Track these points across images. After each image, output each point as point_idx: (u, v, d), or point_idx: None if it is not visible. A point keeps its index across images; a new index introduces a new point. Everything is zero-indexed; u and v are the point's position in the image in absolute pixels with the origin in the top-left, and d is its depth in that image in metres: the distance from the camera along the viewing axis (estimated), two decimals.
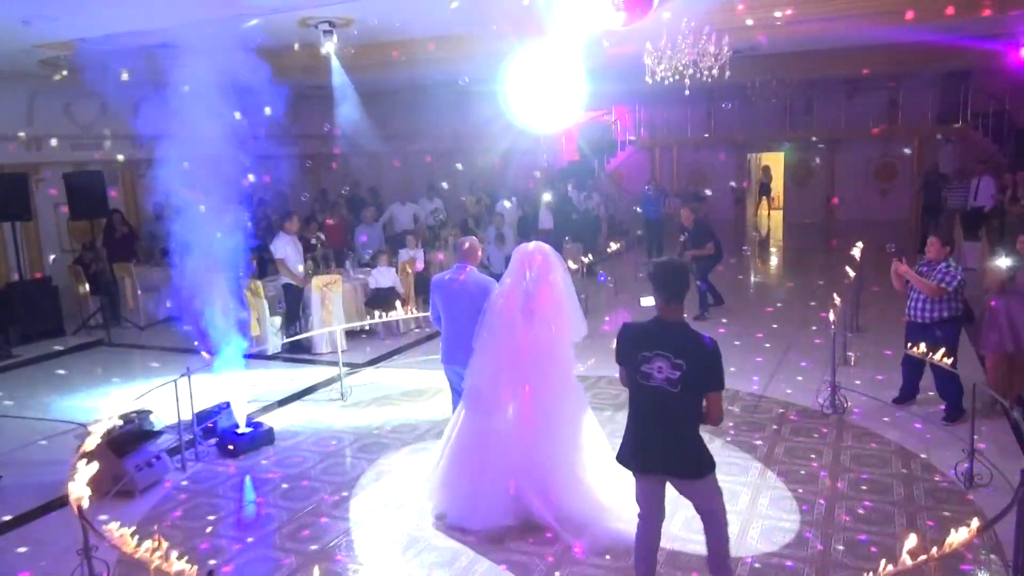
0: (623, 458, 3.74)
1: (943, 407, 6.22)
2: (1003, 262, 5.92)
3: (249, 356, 7.71)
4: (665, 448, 3.55)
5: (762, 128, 19.58)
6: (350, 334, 9.32)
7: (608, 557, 4.32)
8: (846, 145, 19.68)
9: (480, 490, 4.68)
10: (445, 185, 15.87)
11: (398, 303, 8.54)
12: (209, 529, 4.88)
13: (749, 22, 8.23)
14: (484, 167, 17.12)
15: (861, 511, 4.79)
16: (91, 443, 4.69)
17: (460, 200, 16.05)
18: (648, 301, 3.97)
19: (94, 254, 11.00)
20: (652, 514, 3.74)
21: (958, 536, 3.15)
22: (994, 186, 13.15)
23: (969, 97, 17.43)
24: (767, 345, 8.56)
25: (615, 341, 3.70)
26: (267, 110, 6.37)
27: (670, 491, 3.73)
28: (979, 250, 11.49)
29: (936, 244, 6.19)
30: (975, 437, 5.13)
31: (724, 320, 9.57)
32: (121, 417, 6.11)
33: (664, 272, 3.61)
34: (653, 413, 3.55)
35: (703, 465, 3.57)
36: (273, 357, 8.89)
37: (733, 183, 20.84)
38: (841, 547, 4.38)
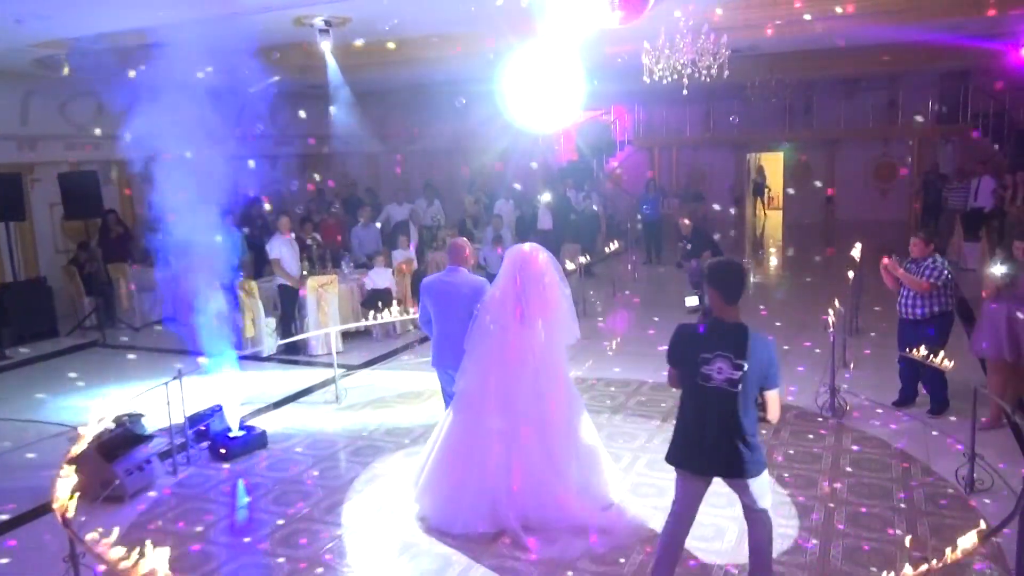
0: (674, 459, 3.71)
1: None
2: (998, 269, 5.85)
3: (244, 358, 7.66)
4: (722, 449, 3.52)
5: (761, 128, 19.52)
6: (346, 335, 9.25)
7: (622, 560, 4.26)
8: (845, 145, 19.63)
9: (462, 495, 4.64)
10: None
11: (394, 304, 8.47)
12: (199, 534, 4.81)
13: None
14: (483, 167, 17.06)
15: (860, 517, 4.72)
16: (79, 447, 4.63)
17: (459, 200, 16.01)
18: (692, 301, 3.94)
19: (89, 254, 10.93)
20: (687, 513, 3.74)
21: (961, 545, 3.09)
22: (994, 186, 13.10)
23: (969, 97, 17.37)
24: None
25: (668, 342, 3.68)
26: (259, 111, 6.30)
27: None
28: (979, 251, 11.44)
29: (919, 243, 6.17)
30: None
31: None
32: (113, 420, 6.06)
33: (722, 272, 3.61)
34: (711, 414, 3.52)
35: (758, 464, 3.56)
36: (268, 359, 8.81)
37: (730, 185, 20.79)
38: (840, 554, 4.32)
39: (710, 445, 3.55)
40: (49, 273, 11.25)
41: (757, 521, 3.67)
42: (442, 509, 4.70)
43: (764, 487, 3.65)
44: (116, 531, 3.31)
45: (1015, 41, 11.23)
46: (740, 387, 3.43)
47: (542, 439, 4.63)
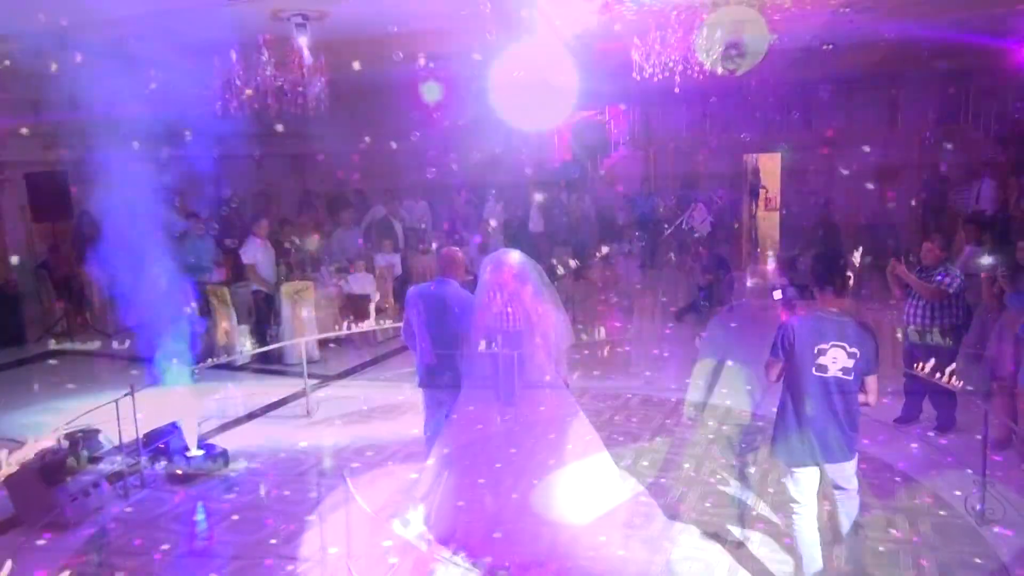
0: (786, 456, 3.80)
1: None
2: (984, 260, 5.50)
3: (216, 367, 7.25)
4: (833, 434, 3.66)
5: (759, 128, 19.11)
6: (325, 344, 8.86)
7: None
8: (844, 145, 19.25)
9: (459, 518, 4.38)
10: None
11: (372, 310, 8.10)
12: (146, 568, 4.42)
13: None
14: (473, 167, 16.67)
15: (864, 551, 4.34)
16: (14, 466, 4.27)
17: (449, 200, 15.61)
18: (777, 295, 4.23)
19: (60, 258, 10.51)
20: (813, 503, 3.84)
21: None
22: (997, 189, 12.75)
23: (971, 98, 17.02)
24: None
25: (778, 336, 3.75)
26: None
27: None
28: (982, 255, 11.09)
29: (934, 250, 5.80)
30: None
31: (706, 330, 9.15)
32: (65, 437, 5.68)
33: (828, 265, 3.74)
34: (826, 403, 3.65)
35: (856, 446, 3.76)
36: (241, 368, 8.39)
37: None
38: None
39: (821, 433, 3.66)
40: (21, 277, 10.82)
41: (850, 498, 3.83)
42: (441, 532, 4.43)
43: (855, 467, 3.83)
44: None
45: (1020, 39, 10.88)
46: (853, 375, 3.62)
47: (529, 459, 4.37)
